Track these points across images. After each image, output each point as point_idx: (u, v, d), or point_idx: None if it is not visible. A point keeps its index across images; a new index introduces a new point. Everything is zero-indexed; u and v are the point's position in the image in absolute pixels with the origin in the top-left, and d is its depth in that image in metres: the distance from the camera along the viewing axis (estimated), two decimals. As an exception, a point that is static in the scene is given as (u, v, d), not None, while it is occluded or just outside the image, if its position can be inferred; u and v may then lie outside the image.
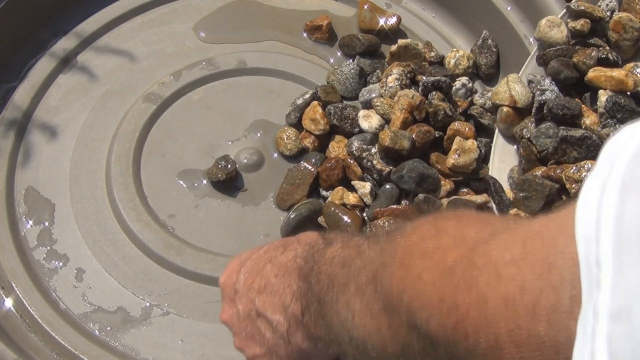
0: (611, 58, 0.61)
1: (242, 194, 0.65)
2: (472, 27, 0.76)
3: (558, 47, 0.63)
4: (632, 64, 0.62)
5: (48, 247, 0.62)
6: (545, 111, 0.60)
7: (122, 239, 0.62)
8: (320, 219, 0.63)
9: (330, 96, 0.68)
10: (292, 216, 0.62)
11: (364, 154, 0.63)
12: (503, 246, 0.25)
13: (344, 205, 0.62)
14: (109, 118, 0.68)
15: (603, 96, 0.59)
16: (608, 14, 0.63)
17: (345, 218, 0.60)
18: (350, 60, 0.73)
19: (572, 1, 0.64)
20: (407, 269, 0.29)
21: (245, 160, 0.66)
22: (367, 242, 0.36)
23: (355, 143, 0.63)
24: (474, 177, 0.63)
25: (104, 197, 0.64)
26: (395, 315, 0.30)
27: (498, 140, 0.64)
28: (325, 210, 0.62)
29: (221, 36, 0.74)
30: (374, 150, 0.63)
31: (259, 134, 0.68)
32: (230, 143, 0.68)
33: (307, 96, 0.67)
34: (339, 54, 0.74)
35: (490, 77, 0.73)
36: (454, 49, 0.73)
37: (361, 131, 0.66)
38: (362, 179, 0.63)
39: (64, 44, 0.72)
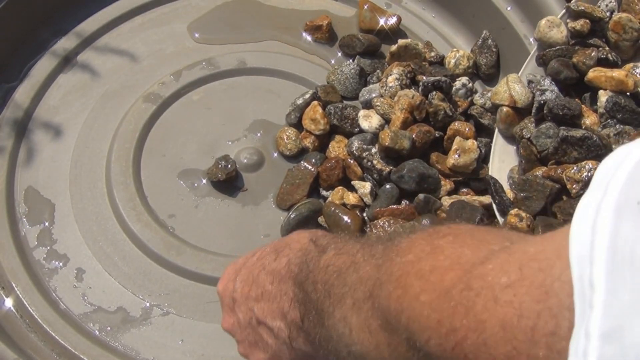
0: (611, 58, 0.61)
1: (242, 194, 0.65)
2: (472, 27, 0.76)
3: (558, 47, 0.63)
4: (631, 65, 0.62)
5: (48, 247, 0.62)
6: (545, 111, 0.60)
7: (122, 239, 0.62)
8: (320, 219, 0.63)
9: (331, 96, 0.68)
10: (292, 216, 0.62)
11: (364, 154, 0.63)
12: (499, 269, 0.25)
13: (344, 205, 0.62)
14: (109, 118, 0.68)
15: (603, 96, 0.59)
16: (607, 14, 0.63)
17: (345, 218, 0.60)
18: (351, 60, 0.73)
19: (572, 1, 0.64)
20: (403, 288, 0.29)
21: (245, 160, 0.66)
22: (362, 251, 0.36)
23: (356, 143, 0.63)
24: (474, 177, 0.64)
25: (104, 197, 0.64)
26: (394, 333, 0.30)
27: (498, 140, 0.64)
28: (325, 210, 0.62)
29: (221, 36, 0.74)
30: (374, 150, 0.63)
31: (259, 134, 0.68)
32: (230, 143, 0.68)
33: (307, 96, 0.67)
34: (339, 54, 0.74)
35: (490, 77, 0.73)
36: (454, 49, 0.73)
37: (361, 131, 0.66)
38: (362, 179, 0.63)
39: (64, 44, 0.72)
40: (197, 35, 0.74)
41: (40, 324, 0.58)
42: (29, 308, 0.58)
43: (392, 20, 0.75)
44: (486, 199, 0.61)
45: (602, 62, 0.61)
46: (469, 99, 0.68)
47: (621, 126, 0.58)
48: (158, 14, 0.76)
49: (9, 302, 0.59)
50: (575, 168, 0.55)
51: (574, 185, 0.55)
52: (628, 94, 0.59)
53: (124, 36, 0.74)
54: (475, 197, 0.62)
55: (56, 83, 0.70)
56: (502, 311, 0.24)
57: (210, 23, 0.75)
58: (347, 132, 0.66)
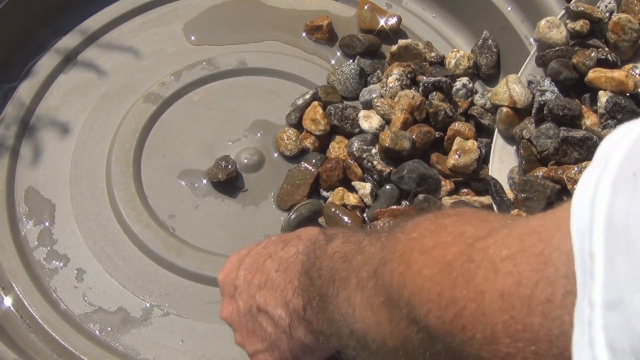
0: (610, 59, 0.61)
1: (242, 194, 0.65)
2: (472, 28, 0.76)
3: (557, 47, 0.63)
4: (630, 65, 0.62)
5: (48, 248, 0.61)
6: (545, 112, 0.60)
7: (122, 240, 0.62)
8: (321, 220, 0.63)
9: (331, 96, 0.68)
10: (292, 217, 0.62)
11: (364, 155, 0.63)
12: (500, 242, 0.26)
13: (345, 205, 0.62)
14: (109, 118, 0.68)
15: (603, 97, 0.59)
16: (607, 15, 0.63)
17: (346, 219, 0.60)
18: (351, 61, 0.73)
19: (572, 2, 0.64)
20: (407, 264, 0.30)
21: (245, 161, 0.66)
22: (368, 238, 0.36)
23: (356, 143, 0.63)
24: (474, 177, 0.64)
25: (104, 197, 0.64)
26: (396, 309, 0.30)
27: (497, 141, 0.64)
28: (325, 210, 0.62)
29: (221, 36, 0.74)
30: (374, 150, 0.63)
31: (259, 134, 0.68)
32: (230, 143, 0.68)
33: (307, 96, 0.67)
34: (339, 54, 0.74)
35: (490, 77, 0.73)
36: (455, 49, 0.73)
37: (361, 131, 0.66)
38: (363, 180, 0.63)
39: (64, 44, 0.72)
40: (197, 35, 0.74)
41: (40, 324, 0.58)
42: (29, 308, 0.58)
43: (393, 21, 0.75)
44: (486, 200, 0.61)
45: (602, 63, 0.61)
46: (470, 99, 0.68)
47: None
48: (158, 14, 0.76)
49: (9, 302, 0.59)
50: (576, 169, 0.55)
51: (575, 186, 0.55)
52: (628, 94, 0.59)
53: (124, 36, 0.74)
54: (476, 198, 0.62)
55: (56, 83, 0.70)
56: (501, 281, 0.24)
57: (211, 23, 0.75)
58: (347, 133, 0.66)
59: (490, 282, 0.25)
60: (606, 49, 0.62)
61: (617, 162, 0.22)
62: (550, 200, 0.56)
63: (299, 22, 0.76)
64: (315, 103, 0.67)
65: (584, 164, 0.56)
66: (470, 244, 0.27)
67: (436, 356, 0.28)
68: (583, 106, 0.61)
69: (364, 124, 0.65)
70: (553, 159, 0.58)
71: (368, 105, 0.68)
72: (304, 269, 0.39)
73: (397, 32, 0.76)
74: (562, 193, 0.57)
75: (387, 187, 0.62)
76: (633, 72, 0.60)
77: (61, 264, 0.61)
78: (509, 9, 0.73)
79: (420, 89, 0.66)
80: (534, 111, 0.61)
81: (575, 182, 0.55)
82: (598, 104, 0.59)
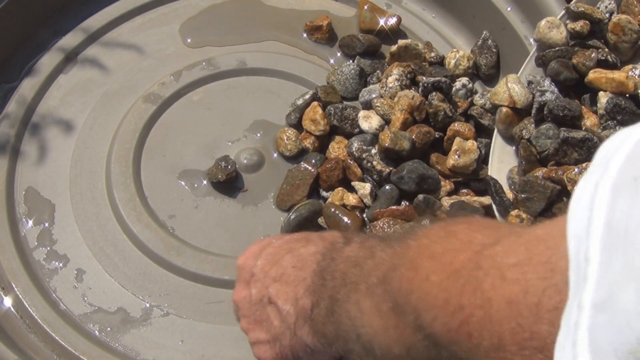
0: (610, 60, 0.61)
1: (242, 194, 0.65)
2: (472, 28, 0.76)
3: (557, 48, 0.63)
4: (630, 66, 0.62)
5: (48, 248, 0.62)
6: (545, 112, 0.60)
7: (122, 240, 0.62)
8: (321, 220, 0.63)
9: (331, 97, 0.68)
10: (292, 217, 0.62)
11: (364, 155, 0.63)
12: (508, 250, 0.26)
13: (344, 206, 0.62)
14: (109, 118, 0.68)
15: (603, 98, 0.59)
16: (607, 15, 0.63)
17: (345, 219, 0.60)
18: (351, 61, 0.73)
19: (572, 2, 0.64)
20: (415, 270, 0.30)
21: (245, 161, 0.66)
22: (381, 244, 0.36)
23: (355, 144, 0.63)
24: (474, 177, 0.64)
25: (104, 197, 0.64)
26: (402, 315, 0.30)
27: (497, 141, 0.64)
28: (325, 211, 0.62)
29: (221, 36, 0.74)
30: (374, 151, 0.63)
31: (259, 135, 0.68)
32: (230, 143, 0.68)
33: (307, 96, 0.67)
34: (339, 54, 0.74)
35: (490, 77, 0.73)
36: (454, 50, 0.73)
37: (361, 132, 0.66)
38: (362, 180, 0.63)
39: (64, 44, 0.72)
40: (197, 35, 0.74)
41: (40, 324, 0.58)
42: (29, 308, 0.58)
43: (392, 21, 0.75)
44: (486, 200, 0.61)
45: (602, 64, 0.61)
46: (469, 99, 0.68)
47: (621, 127, 0.58)
48: (158, 14, 0.76)
49: (9, 303, 0.59)
50: (576, 169, 0.55)
51: (575, 187, 0.55)
52: (627, 95, 0.59)
53: (124, 36, 0.74)
54: (476, 198, 0.62)
55: (56, 83, 0.70)
56: (508, 289, 0.24)
57: (211, 23, 0.75)
58: (347, 133, 0.66)
59: (498, 289, 0.25)
60: (606, 49, 0.62)
61: (616, 167, 0.21)
62: (551, 201, 0.56)
63: (299, 22, 0.76)
64: (315, 103, 0.67)
65: (584, 164, 0.56)
66: (478, 251, 0.27)
67: None
68: (583, 107, 0.61)
69: (364, 124, 0.65)
70: (553, 159, 0.58)
71: (368, 106, 0.68)
72: (319, 269, 0.40)
73: (397, 32, 0.76)
74: (562, 194, 0.57)
75: (387, 187, 0.62)
76: (633, 73, 0.60)
77: (61, 264, 0.61)
78: (509, 9, 0.73)
79: (420, 89, 0.66)
80: (534, 111, 0.61)
81: (576, 183, 0.55)
82: (598, 104, 0.59)
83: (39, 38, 0.72)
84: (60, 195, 0.64)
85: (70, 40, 0.73)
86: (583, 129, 0.59)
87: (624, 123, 0.58)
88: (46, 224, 0.63)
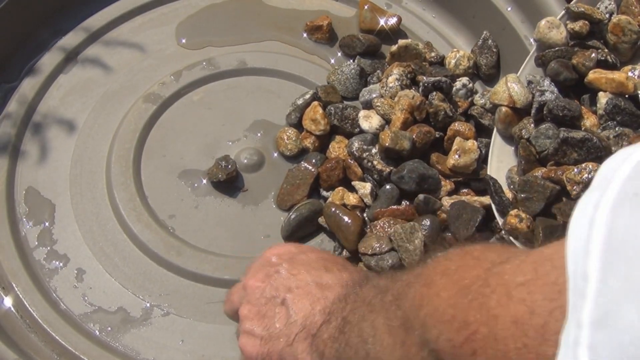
0: (610, 60, 0.61)
1: (242, 194, 0.65)
2: (472, 28, 0.76)
3: (557, 48, 0.63)
4: (629, 67, 0.62)
5: (48, 248, 0.62)
6: (545, 112, 0.60)
7: (122, 240, 0.62)
8: (321, 220, 0.63)
9: (331, 96, 0.68)
10: (292, 216, 0.62)
11: (364, 155, 0.63)
12: (516, 268, 0.26)
13: (345, 205, 0.62)
14: (109, 118, 0.68)
15: (603, 98, 0.59)
16: (607, 16, 0.63)
17: (346, 218, 0.60)
18: (351, 61, 0.73)
19: (572, 3, 0.64)
20: (428, 286, 0.30)
21: (245, 161, 0.66)
22: (402, 272, 0.37)
23: (356, 143, 0.63)
24: (474, 177, 0.64)
25: (104, 197, 0.64)
26: (410, 331, 0.31)
27: (496, 140, 0.64)
28: (325, 210, 0.62)
29: (221, 36, 0.74)
30: (374, 150, 0.63)
31: (259, 134, 0.68)
32: (230, 143, 0.68)
33: (307, 96, 0.67)
34: (339, 54, 0.74)
35: (490, 77, 0.73)
36: (455, 50, 0.73)
37: (361, 131, 0.66)
38: (363, 180, 0.63)
39: (64, 44, 0.72)
40: (197, 35, 0.74)
41: (40, 324, 0.58)
42: (29, 308, 0.58)
43: (393, 21, 0.75)
44: (487, 200, 0.61)
45: (601, 64, 0.61)
46: (470, 99, 0.68)
47: (621, 128, 0.58)
48: (158, 14, 0.76)
49: (9, 302, 0.59)
50: (575, 170, 0.55)
51: (574, 187, 0.55)
52: (627, 96, 0.59)
53: (125, 36, 0.74)
54: (476, 198, 0.62)
55: (56, 83, 0.70)
56: (514, 308, 0.24)
57: (211, 23, 0.75)
58: (347, 133, 0.66)
59: (504, 307, 0.25)
60: (606, 50, 0.62)
61: (616, 188, 0.21)
62: (550, 202, 0.56)
63: (299, 22, 0.76)
64: (315, 103, 0.67)
65: (583, 165, 0.56)
66: (488, 268, 0.28)
67: None
68: (582, 107, 0.61)
69: (364, 124, 0.65)
70: (552, 159, 0.58)
71: (368, 105, 0.68)
72: (344, 293, 0.40)
73: (397, 32, 0.76)
74: (561, 194, 0.57)
75: (387, 187, 0.62)
76: (632, 74, 0.60)
77: (61, 264, 0.61)
78: (509, 9, 0.73)
79: (420, 89, 0.66)
80: (533, 111, 0.61)
81: (575, 183, 0.55)
82: (598, 105, 0.59)
83: (39, 38, 0.72)
84: (60, 195, 0.64)
85: (70, 40, 0.73)
86: (582, 129, 0.59)
87: (623, 124, 0.58)
88: (46, 224, 0.63)
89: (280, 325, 0.42)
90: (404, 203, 0.62)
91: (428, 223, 0.59)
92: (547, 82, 0.62)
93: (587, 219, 0.22)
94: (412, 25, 0.78)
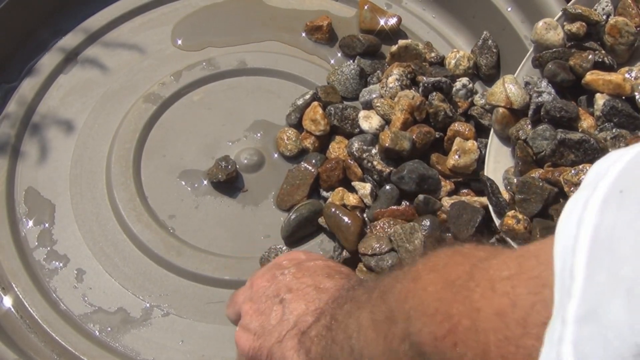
0: (607, 62, 0.61)
1: (242, 194, 0.65)
2: (472, 28, 0.76)
3: (554, 49, 0.63)
4: (626, 68, 0.62)
5: (48, 248, 0.62)
6: (542, 113, 0.60)
7: (122, 240, 0.62)
8: (321, 220, 0.63)
9: (331, 97, 0.68)
10: (292, 217, 0.62)
11: (364, 155, 0.63)
12: (501, 263, 0.26)
13: (344, 206, 0.63)
14: (109, 118, 0.68)
15: (600, 100, 0.59)
16: (604, 18, 0.63)
17: (346, 219, 0.61)
18: (351, 61, 0.73)
19: (569, 4, 0.65)
20: (414, 281, 0.31)
21: (245, 161, 0.66)
22: (394, 269, 0.37)
23: (356, 144, 0.63)
24: (474, 177, 0.64)
25: (104, 197, 0.64)
26: (394, 324, 0.31)
27: (493, 141, 0.64)
28: (325, 211, 0.62)
29: (221, 36, 0.74)
30: (374, 151, 0.63)
31: (259, 135, 0.69)
32: (230, 143, 0.68)
33: (307, 97, 0.68)
34: (339, 54, 0.75)
35: (490, 77, 0.73)
36: (455, 50, 0.73)
37: (361, 132, 0.66)
38: (363, 180, 0.64)
39: (64, 44, 0.72)
40: (197, 35, 0.74)
41: (40, 324, 0.58)
42: (29, 308, 0.58)
43: (393, 21, 0.75)
44: (487, 200, 0.61)
45: (598, 66, 0.61)
46: (469, 99, 0.68)
47: (618, 130, 0.58)
48: (158, 14, 0.76)
49: (9, 303, 0.59)
50: (573, 171, 0.55)
51: (572, 188, 0.55)
52: (624, 97, 0.59)
53: (125, 36, 0.74)
54: (476, 198, 0.63)
55: (56, 83, 0.70)
56: (498, 300, 0.25)
57: (211, 23, 0.75)
58: (347, 133, 0.67)
59: (487, 300, 0.25)
60: (602, 51, 0.62)
61: (606, 186, 0.22)
62: (547, 203, 0.56)
63: (299, 22, 0.76)
64: (315, 103, 0.67)
65: (580, 166, 0.56)
66: (474, 263, 0.28)
67: None
68: (580, 108, 0.61)
69: (364, 124, 0.65)
70: (549, 160, 0.58)
71: (368, 106, 0.68)
72: (337, 295, 0.41)
73: (397, 33, 0.76)
74: (559, 196, 0.57)
75: (387, 187, 0.62)
76: (629, 75, 0.60)
77: (61, 264, 0.61)
78: (509, 9, 0.73)
79: (420, 89, 0.66)
80: (530, 112, 0.61)
81: (573, 184, 0.55)
82: (595, 106, 0.60)
83: (39, 38, 0.72)
84: (60, 195, 0.64)
85: (70, 40, 0.73)
86: (580, 130, 0.59)
87: (620, 125, 0.58)
88: (46, 224, 0.63)
89: (274, 322, 0.43)
90: (404, 203, 0.62)
91: (428, 223, 0.59)
92: (544, 83, 0.62)
93: (576, 218, 0.22)
94: (412, 25, 0.78)
